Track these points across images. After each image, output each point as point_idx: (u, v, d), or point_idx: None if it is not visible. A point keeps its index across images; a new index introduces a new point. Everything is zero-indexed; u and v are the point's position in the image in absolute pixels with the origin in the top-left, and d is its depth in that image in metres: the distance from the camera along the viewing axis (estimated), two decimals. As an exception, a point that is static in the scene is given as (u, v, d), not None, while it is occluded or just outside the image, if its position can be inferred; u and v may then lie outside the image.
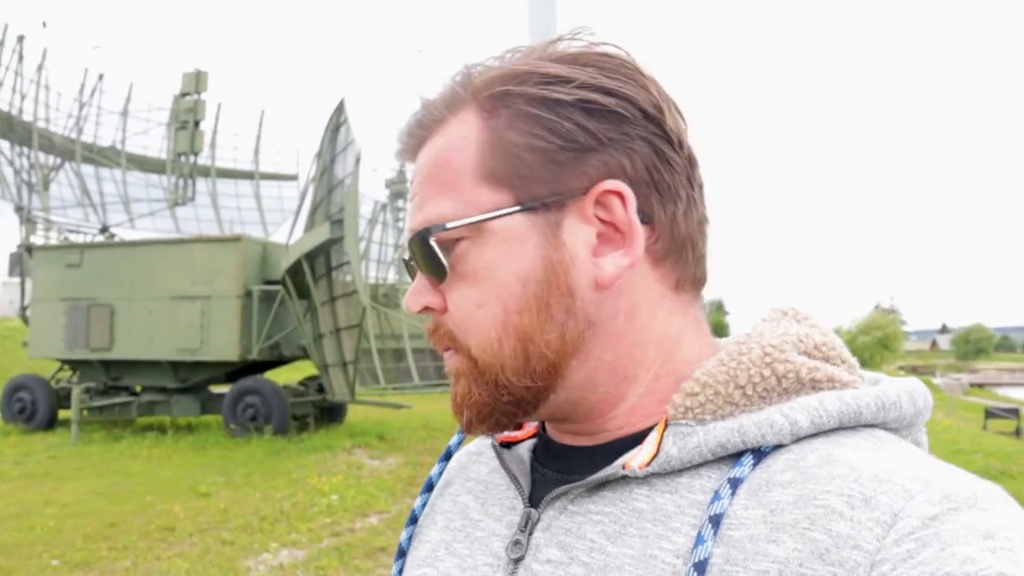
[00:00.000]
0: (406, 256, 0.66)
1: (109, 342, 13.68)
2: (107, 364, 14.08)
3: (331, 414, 14.56)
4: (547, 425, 0.72)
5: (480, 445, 0.80)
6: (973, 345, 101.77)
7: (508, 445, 0.73)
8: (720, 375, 0.61)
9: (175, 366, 13.63)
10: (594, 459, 0.64)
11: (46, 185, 16.98)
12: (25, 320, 15.38)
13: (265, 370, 14.65)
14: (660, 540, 0.57)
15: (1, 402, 14.16)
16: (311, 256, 11.79)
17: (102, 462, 10.78)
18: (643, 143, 0.62)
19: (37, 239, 15.82)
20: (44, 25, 34.60)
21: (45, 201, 16.84)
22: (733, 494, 0.56)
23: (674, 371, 0.64)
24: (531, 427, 0.75)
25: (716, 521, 0.55)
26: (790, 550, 0.52)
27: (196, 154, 16.03)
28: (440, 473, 0.81)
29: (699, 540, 0.55)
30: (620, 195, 0.62)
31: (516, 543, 0.64)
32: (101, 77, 20.97)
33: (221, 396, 13.60)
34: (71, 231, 17.16)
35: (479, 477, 0.75)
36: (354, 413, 15.18)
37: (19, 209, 16.12)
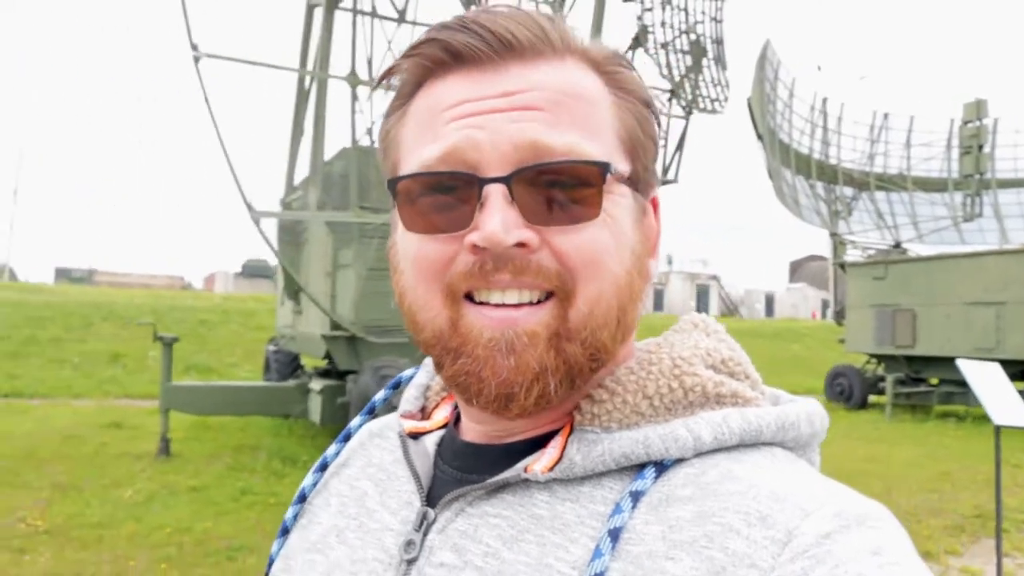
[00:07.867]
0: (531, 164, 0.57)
1: (912, 341, 16.35)
2: (909, 359, 16.74)
3: None
4: (464, 418, 0.68)
5: (383, 427, 0.77)
6: None
7: (415, 436, 0.71)
8: (629, 384, 0.60)
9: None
10: (496, 460, 0.62)
11: (849, 212, 20.87)
12: (839, 322, 19.31)
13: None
14: (557, 549, 0.56)
15: (824, 385, 18.30)
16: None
17: (915, 436, 13.34)
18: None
19: (848, 257, 19.69)
20: (819, 69, 39.67)
21: (849, 226, 20.74)
22: (634, 508, 0.55)
23: None
24: (441, 417, 0.72)
25: (615, 535, 0.54)
26: (687, 568, 0.51)
27: (982, 175, 17.73)
28: (336, 453, 0.77)
29: (597, 553, 0.53)
30: (657, 206, 0.66)
31: (410, 543, 0.62)
32: (886, 116, 24.44)
33: None
34: (870, 249, 20.72)
35: (381, 464, 0.72)
36: None
37: (833, 235, 20.44)
